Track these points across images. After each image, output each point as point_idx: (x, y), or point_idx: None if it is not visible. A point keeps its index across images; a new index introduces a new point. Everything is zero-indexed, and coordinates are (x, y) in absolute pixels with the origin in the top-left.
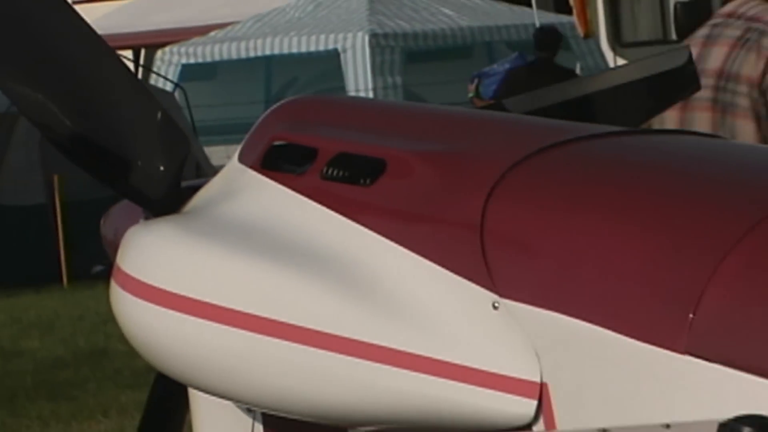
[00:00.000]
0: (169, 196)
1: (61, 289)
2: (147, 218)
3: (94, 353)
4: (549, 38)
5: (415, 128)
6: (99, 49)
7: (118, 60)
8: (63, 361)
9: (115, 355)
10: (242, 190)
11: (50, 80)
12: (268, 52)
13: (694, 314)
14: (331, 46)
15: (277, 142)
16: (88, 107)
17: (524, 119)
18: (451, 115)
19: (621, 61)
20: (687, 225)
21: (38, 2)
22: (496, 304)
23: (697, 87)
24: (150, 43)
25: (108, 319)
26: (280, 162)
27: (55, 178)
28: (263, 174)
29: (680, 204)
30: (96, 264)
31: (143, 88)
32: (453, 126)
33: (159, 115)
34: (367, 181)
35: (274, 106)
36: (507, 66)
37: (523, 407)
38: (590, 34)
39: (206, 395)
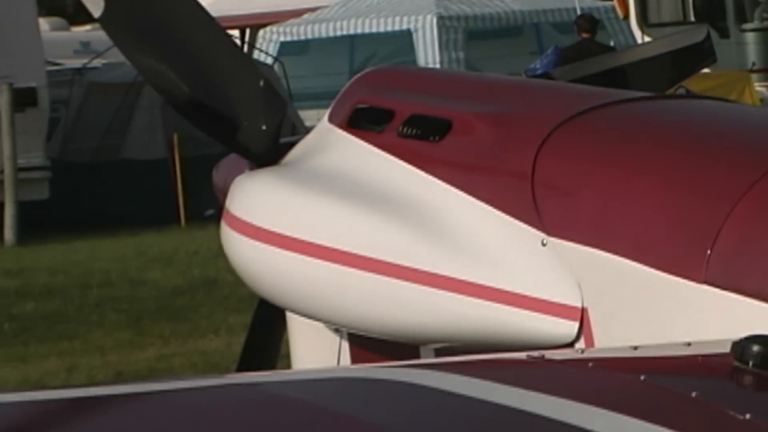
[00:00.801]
0: (269, 151)
1: (179, 229)
2: (251, 169)
3: (207, 282)
4: (588, 23)
5: (476, 94)
6: (212, 28)
7: (228, 37)
8: (180, 289)
9: (224, 284)
10: (330, 145)
11: (171, 54)
12: (352, 32)
13: (711, 250)
14: (404, 27)
15: (360, 106)
16: (202, 76)
17: (569, 86)
18: (507, 82)
19: (647, 39)
20: (706, 173)
21: None
22: (544, 242)
23: (714, 59)
24: (253, 24)
25: (218, 253)
26: (362, 122)
27: (175, 137)
28: (348, 132)
29: (700, 156)
30: (208, 208)
31: (249, 60)
32: (508, 91)
33: (261, 83)
34: (436, 138)
35: (358, 75)
36: (546, 61)
37: (566, 328)
38: (628, 15)
39: (300, 317)
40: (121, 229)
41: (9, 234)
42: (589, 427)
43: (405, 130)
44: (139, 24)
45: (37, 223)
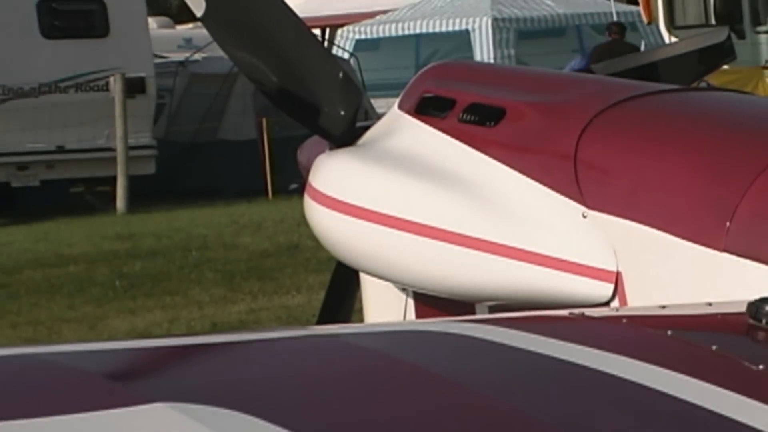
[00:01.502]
0: (346, 133)
1: (266, 201)
2: (330, 149)
3: (290, 247)
4: (618, 27)
5: (526, 85)
6: (298, 26)
7: (312, 35)
8: (268, 252)
9: (305, 248)
10: (400, 129)
11: (263, 48)
12: (417, 31)
13: (730, 222)
14: (463, 27)
15: (426, 95)
16: (289, 68)
17: (608, 79)
18: (554, 75)
19: (674, 39)
20: (726, 155)
21: None
22: (585, 214)
23: (734, 57)
24: (333, 24)
25: (301, 222)
26: (428, 109)
27: (264, 121)
28: (416, 118)
29: (721, 139)
30: (291, 183)
31: (330, 54)
32: (555, 83)
33: (340, 74)
34: (492, 123)
35: (424, 68)
36: (576, 62)
37: (603, 290)
38: (652, 20)
39: (372, 278)
40: (217, 200)
41: (120, 203)
42: (623, 376)
43: (465, 116)
44: (236, 22)
45: (144, 194)
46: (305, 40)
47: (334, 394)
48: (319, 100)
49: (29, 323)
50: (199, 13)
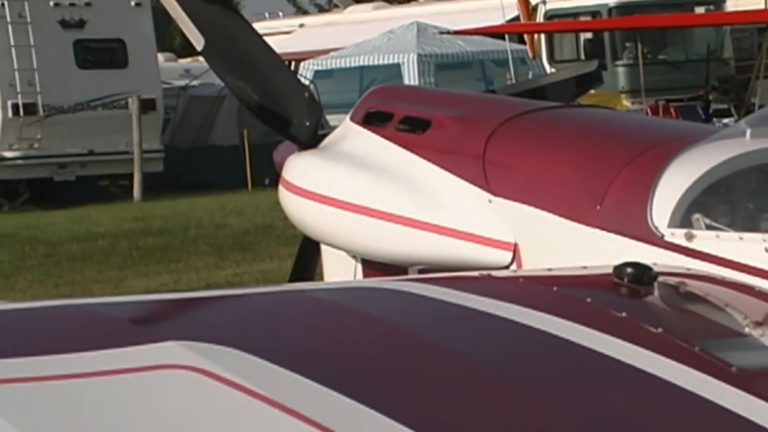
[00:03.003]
0: (311, 139)
1: (247, 192)
2: (299, 151)
3: (265, 226)
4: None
5: (446, 102)
6: (274, 58)
7: (285, 65)
8: (248, 230)
9: (277, 227)
10: (351, 136)
11: (247, 74)
12: (361, 64)
13: (600, 205)
14: (395, 61)
15: (371, 110)
16: (267, 89)
17: (508, 98)
18: (467, 95)
19: (554, 70)
20: (598, 153)
21: (244, 33)
22: (491, 200)
23: (601, 82)
24: (298, 58)
25: (273, 207)
26: (372, 120)
27: (245, 131)
28: (363, 127)
29: (593, 142)
30: (266, 178)
31: (297, 80)
32: (468, 101)
33: (306, 94)
34: (421, 131)
35: (369, 90)
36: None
37: (504, 257)
38: (536, 56)
39: (329, 248)
40: (209, 191)
41: (137, 193)
42: (519, 320)
43: (400, 126)
44: (227, 54)
45: (154, 187)
46: (280, 68)
47: (305, 335)
48: (290, 114)
49: (68, 284)
50: (199, 47)
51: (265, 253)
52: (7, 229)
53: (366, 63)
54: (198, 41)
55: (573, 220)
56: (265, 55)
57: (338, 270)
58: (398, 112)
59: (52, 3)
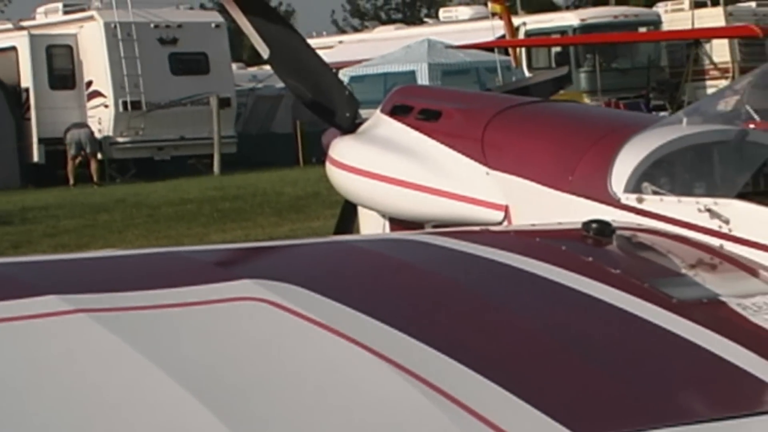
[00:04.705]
0: (350, 126)
1: (299, 168)
2: (341, 135)
3: (314, 194)
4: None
5: (454, 98)
6: (323, 65)
7: (331, 70)
8: (300, 197)
9: (323, 195)
10: (381, 124)
11: (302, 76)
12: (385, 71)
13: (572, 176)
14: (411, 68)
15: (396, 104)
16: (318, 88)
17: (501, 95)
18: (470, 93)
19: (532, 75)
20: (571, 136)
21: (299, 45)
22: (488, 172)
23: (571, 83)
24: (338, 66)
25: (320, 179)
26: (397, 112)
27: (298, 122)
28: (390, 117)
29: (568, 126)
30: (314, 157)
31: (341, 81)
32: (471, 97)
33: (347, 92)
34: (435, 120)
35: (394, 89)
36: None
37: (498, 216)
38: (518, 64)
39: (364, 209)
40: (271, 167)
41: (216, 169)
42: (511, 263)
43: (419, 116)
44: (287, 61)
45: (229, 164)
46: (326, 73)
47: (352, 276)
48: (334, 107)
49: (165, 237)
50: (265, 56)
51: (314, 214)
52: (119, 195)
53: (389, 70)
54: (264, 51)
55: (551, 187)
56: (315, 63)
57: (371, 226)
58: (417, 105)
59: (152, 25)
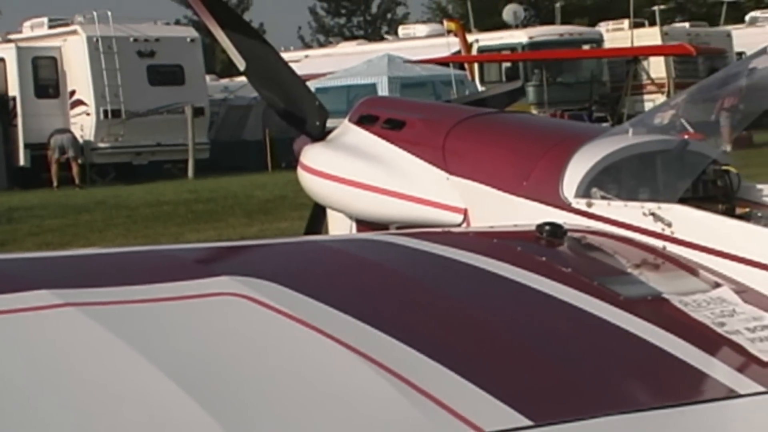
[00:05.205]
0: (320, 134)
1: (267, 173)
2: (311, 142)
3: (282, 197)
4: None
5: (417, 108)
6: (295, 76)
7: (303, 81)
8: (269, 200)
9: (291, 198)
10: (349, 132)
11: (275, 86)
12: (348, 83)
13: (526, 181)
14: (372, 81)
15: (362, 114)
16: (289, 98)
17: (460, 106)
18: (433, 104)
19: (484, 89)
20: (524, 143)
21: (273, 58)
22: (448, 177)
23: (524, 95)
24: (305, 80)
25: (288, 183)
26: (364, 121)
27: (267, 130)
28: (357, 126)
29: (522, 134)
30: (283, 162)
31: (311, 92)
32: (433, 107)
33: (317, 102)
34: (398, 129)
35: (360, 101)
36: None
37: (457, 218)
38: (472, 78)
39: (333, 211)
40: (242, 172)
41: (190, 173)
42: (469, 262)
43: (383, 125)
44: (261, 72)
45: (203, 168)
46: (297, 84)
47: (321, 273)
48: (305, 116)
49: (143, 236)
50: (241, 68)
51: (282, 215)
52: (100, 197)
53: (351, 83)
54: (241, 63)
55: (507, 192)
56: (287, 74)
57: (339, 227)
58: (383, 115)
59: (132, 39)
